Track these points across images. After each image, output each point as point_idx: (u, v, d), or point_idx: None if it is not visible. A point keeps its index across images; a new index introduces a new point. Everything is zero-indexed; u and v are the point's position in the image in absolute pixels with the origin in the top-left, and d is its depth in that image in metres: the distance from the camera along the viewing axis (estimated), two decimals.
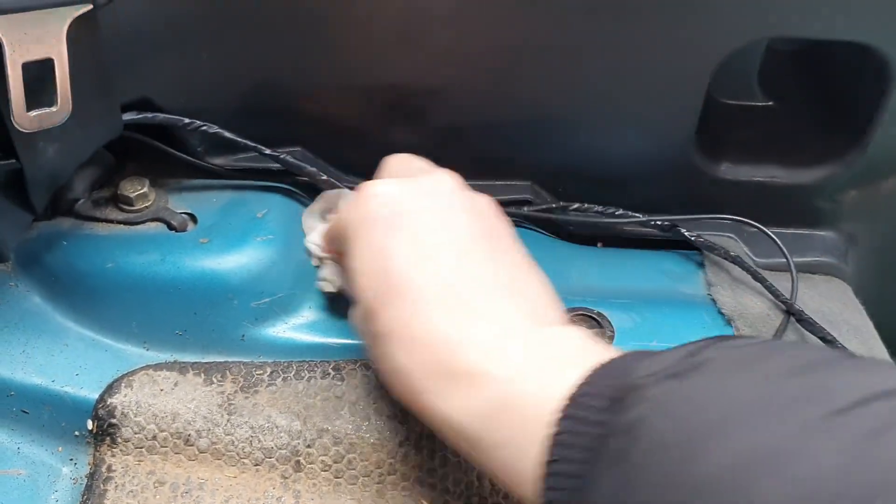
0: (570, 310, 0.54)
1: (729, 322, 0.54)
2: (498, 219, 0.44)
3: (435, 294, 0.38)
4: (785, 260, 0.58)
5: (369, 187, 0.43)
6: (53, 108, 0.43)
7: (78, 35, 0.43)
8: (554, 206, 0.62)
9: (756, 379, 0.29)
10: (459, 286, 0.39)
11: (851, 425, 0.25)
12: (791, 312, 0.54)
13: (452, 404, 0.36)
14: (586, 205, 0.62)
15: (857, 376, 0.28)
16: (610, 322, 0.54)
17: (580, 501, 0.30)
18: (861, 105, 0.58)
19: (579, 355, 0.35)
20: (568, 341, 0.37)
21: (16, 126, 0.41)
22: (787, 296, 0.56)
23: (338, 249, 0.47)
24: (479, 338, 0.37)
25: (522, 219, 0.62)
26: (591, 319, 0.54)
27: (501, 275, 0.40)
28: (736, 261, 0.58)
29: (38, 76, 0.42)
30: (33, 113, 0.42)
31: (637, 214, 0.61)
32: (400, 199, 0.42)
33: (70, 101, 0.44)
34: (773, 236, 0.58)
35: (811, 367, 0.29)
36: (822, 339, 0.52)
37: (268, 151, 0.56)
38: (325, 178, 0.57)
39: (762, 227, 0.58)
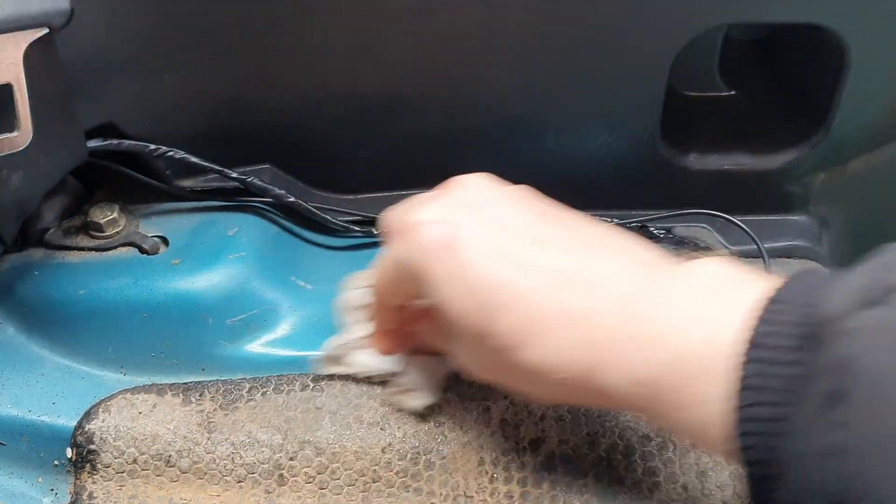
0: None
1: None
2: (545, 199, 0.43)
3: (546, 282, 0.36)
4: (756, 246, 0.58)
5: (412, 220, 0.41)
6: (14, 134, 0.43)
7: (36, 59, 0.43)
8: None
9: None
10: (562, 265, 0.37)
11: None
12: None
13: (620, 377, 0.34)
14: None
15: None
16: None
17: (781, 446, 0.29)
18: (821, 87, 0.58)
19: (737, 288, 0.33)
20: (714, 275, 0.34)
21: None
22: None
23: (406, 294, 0.44)
24: (617, 303, 0.35)
25: None
26: None
27: (594, 241, 0.39)
28: (707, 252, 0.58)
29: None
30: None
31: (606, 219, 0.61)
32: (449, 216, 0.39)
33: (31, 126, 0.44)
34: (740, 224, 0.58)
35: None
36: None
37: (234, 174, 0.56)
38: (291, 199, 0.57)
39: (729, 216, 0.59)
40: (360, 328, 0.49)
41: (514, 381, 0.40)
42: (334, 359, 0.50)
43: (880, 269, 0.30)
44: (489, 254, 0.38)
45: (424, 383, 0.47)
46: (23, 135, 0.44)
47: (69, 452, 0.48)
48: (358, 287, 0.50)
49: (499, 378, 0.40)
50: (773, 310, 0.30)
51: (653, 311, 0.34)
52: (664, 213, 0.61)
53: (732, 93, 0.67)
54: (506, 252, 0.38)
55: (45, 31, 0.43)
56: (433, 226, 0.39)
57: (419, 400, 0.47)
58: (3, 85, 0.42)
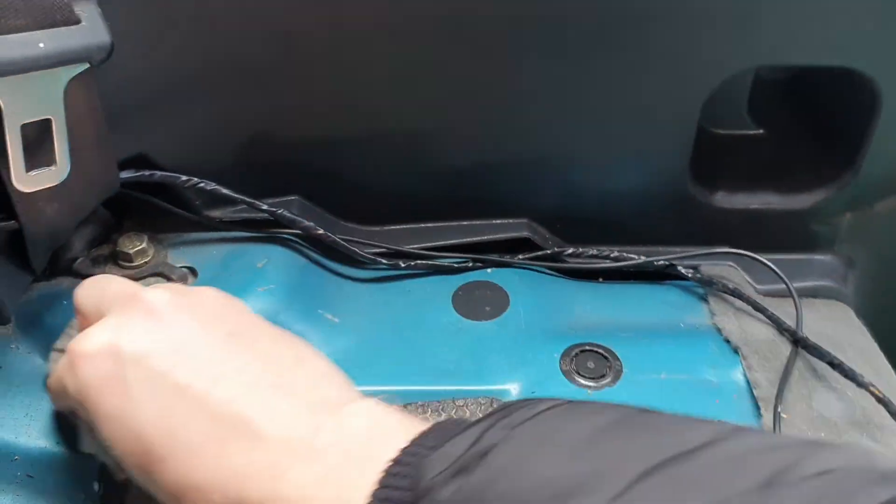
0: (577, 346, 0.54)
1: (735, 350, 0.54)
2: (239, 310, 0.40)
3: (210, 434, 0.34)
4: (785, 285, 0.58)
5: (76, 350, 0.37)
6: (52, 168, 0.43)
7: (75, 94, 0.43)
8: (549, 251, 0.62)
9: (541, 463, 0.28)
10: (232, 410, 0.34)
11: None
12: (797, 340, 0.54)
13: None
14: (581, 248, 0.63)
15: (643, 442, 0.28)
16: (617, 356, 0.54)
17: None
18: (851, 129, 0.59)
19: (378, 445, 0.32)
20: (357, 432, 0.34)
21: (15, 187, 0.41)
22: (790, 322, 0.56)
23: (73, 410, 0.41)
24: (273, 458, 0.33)
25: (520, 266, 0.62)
26: (598, 355, 0.54)
27: (262, 372, 0.36)
28: (735, 293, 0.58)
29: (37, 136, 0.42)
30: (32, 173, 0.42)
31: (633, 255, 0.61)
32: (115, 351, 0.36)
33: (68, 161, 0.44)
34: (769, 263, 0.58)
35: (595, 439, 0.29)
36: (830, 363, 0.52)
37: (263, 206, 0.56)
38: (320, 231, 0.57)
39: (758, 256, 0.59)
40: None
41: None
42: None
43: (480, 431, 0.30)
44: (155, 396, 0.35)
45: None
46: (60, 169, 0.44)
47: (96, 486, 0.48)
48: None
49: None
50: (393, 476, 0.31)
51: (300, 471, 0.33)
52: (691, 252, 0.61)
53: (761, 132, 0.67)
54: (175, 390, 0.35)
55: (86, 66, 0.43)
56: (98, 360, 0.36)
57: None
58: (43, 120, 0.42)
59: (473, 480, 0.28)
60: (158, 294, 0.39)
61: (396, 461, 0.31)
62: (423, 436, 0.32)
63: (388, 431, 0.33)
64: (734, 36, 0.52)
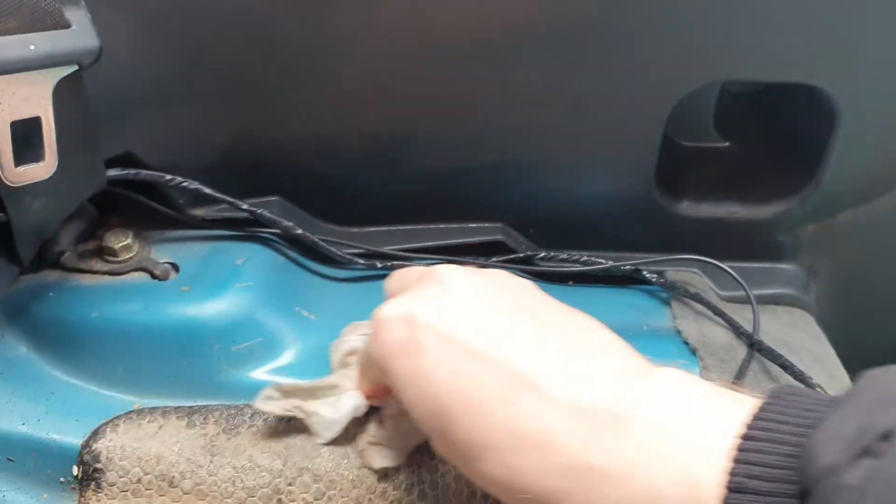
0: None
1: (693, 352, 0.56)
2: (525, 286, 0.41)
3: (501, 393, 0.34)
4: (745, 293, 0.60)
5: (378, 316, 0.41)
6: (40, 164, 0.45)
7: (64, 94, 0.45)
8: (521, 255, 0.65)
9: None
10: (523, 369, 0.35)
11: None
12: (752, 343, 0.57)
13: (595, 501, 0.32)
14: (552, 252, 0.65)
15: None
16: None
17: None
18: (812, 143, 0.61)
19: (715, 416, 0.30)
20: (689, 396, 0.32)
21: (4, 181, 0.43)
22: (748, 327, 0.58)
23: (383, 386, 0.44)
24: (579, 424, 0.32)
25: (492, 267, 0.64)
26: None
27: (564, 339, 0.37)
28: (696, 297, 0.61)
29: (26, 133, 0.44)
30: (21, 168, 0.44)
31: (601, 260, 0.64)
32: (410, 317, 0.38)
33: (56, 157, 0.46)
34: (730, 271, 0.60)
35: None
36: (782, 366, 0.54)
37: (244, 206, 0.58)
38: (299, 231, 0.60)
39: (720, 263, 0.61)
40: (336, 376, 0.50)
41: (482, 485, 0.37)
42: (287, 392, 0.49)
43: (867, 410, 0.27)
44: (447, 359, 0.36)
45: (395, 444, 0.48)
46: (47, 165, 0.46)
47: (75, 470, 0.50)
48: (354, 334, 0.52)
49: (469, 475, 0.38)
50: (755, 449, 0.28)
51: (621, 441, 0.31)
52: (657, 258, 0.63)
53: (727, 144, 0.69)
54: (466, 352, 0.36)
55: (75, 67, 0.45)
56: (396, 325, 0.39)
57: (385, 460, 0.48)
58: (32, 118, 0.44)
59: (889, 465, 0.25)
60: (451, 270, 0.41)
61: (753, 437, 0.28)
62: (776, 403, 0.29)
63: (723, 402, 0.31)
64: (698, 50, 0.54)
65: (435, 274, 0.41)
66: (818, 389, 0.51)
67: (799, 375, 0.52)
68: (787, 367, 0.54)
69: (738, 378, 0.53)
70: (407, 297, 0.41)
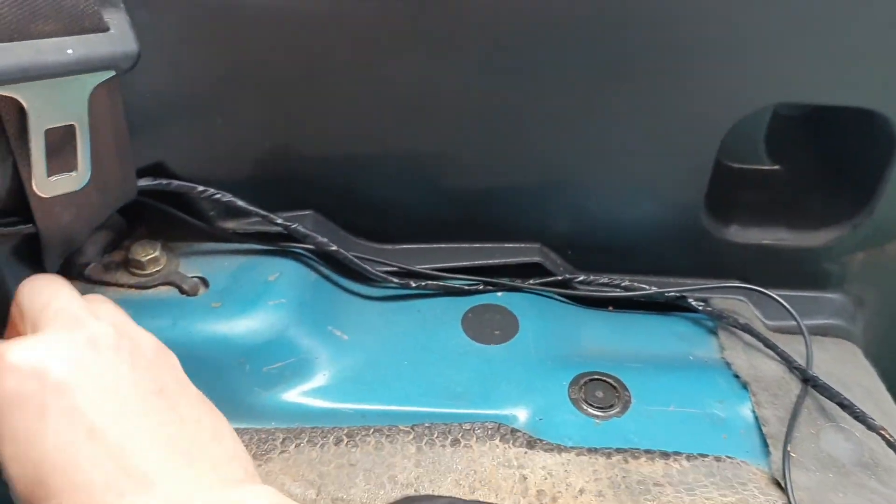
0: (586, 374, 0.54)
1: (745, 386, 0.54)
2: (174, 367, 0.40)
3: (103, 482, 0.33)
4: (795, 322, 0.58)
5: (4, 358, 0.35)
6: (73, 174, 0.43)
7: (100, 101, 0.43)
8: (560, 278, 0.62)
9: None
10: (129, 461, 0.33)
11: None
12: (807, 378, 0.54)
13: None
14: (592, 276, 0.63)
15: None
16: (626, 386, 0.54)
17: None
18: (867, 169, 0.59)
19: None
20: None
21: (36, 192, 0.41)
22: (800, 360, 0.56)
23: None
24: None
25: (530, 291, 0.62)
26: (607, 384, 0.54)
27: (179, 436, 0.35)
28: (745, 328, 0.58)
29: (60, 142, 0.42)
30: (53, 178, 0.42)
31: (644, 286, 0.62)
32: (46, 370, 0.34)
33: (89, 167, 0.44)
34: (782, 301, 0.58)
35: None
36: (840, 404, 0.52)
37: (278, 220, 0.56)
38: (333, 247, 0.57)
39: (769, 292, 0.59)
40: None
41: None
42: None
43: None
44: (68, 432, 0.33)
45: None
46: (80, 176, 0.44)
47: None
48: None
49: None
50: None
51: None
52: (703, 284, 0.61)
53: (777, 167, 0.67)
54: (90, 432, 0.34)
55: (112, 73, 0.43)
56: (22, 377, 0.34)
57: None
58: (67, 126, 0.42)
59: None
60: (102, 328, 0.37)
61: None
62: None
63: None
64: (754, 73, 0.52)
65: (82, 325, 0.37)
66: (881, 433, 0.49)
67: (860, 416, 0.50)
68: (844, 405, 0.51)
69: (794, 417, 0.51)
70: (43, 341, 0.36)
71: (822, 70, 0.53)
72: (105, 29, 0.43)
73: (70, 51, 0.41)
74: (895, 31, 0.51)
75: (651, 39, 0.51)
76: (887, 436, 0.48)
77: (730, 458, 0.49)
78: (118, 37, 0.43)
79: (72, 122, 0.42)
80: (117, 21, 0.44)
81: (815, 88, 0.54)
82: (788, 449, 0.49)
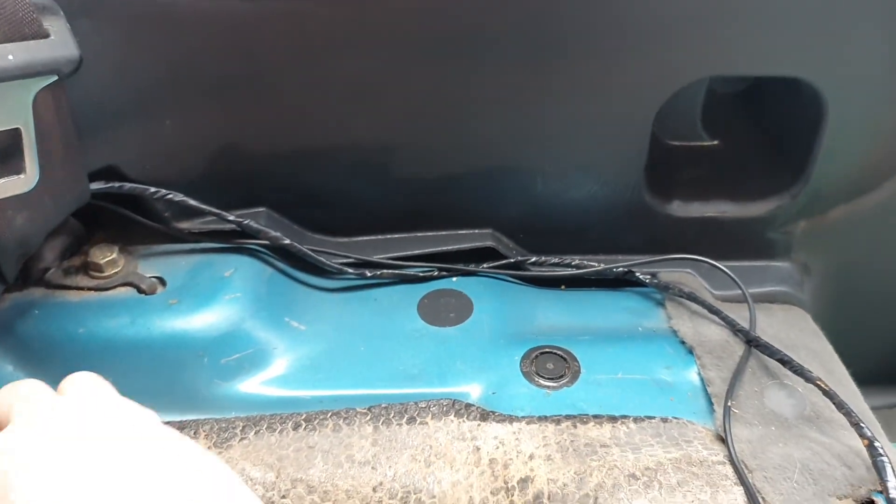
0: (537, 349, 0.56)
1: (690, 351, 0.56)
2: (138, 451, 0.36)
3: None
4: (740, 290, 0.60)
5: None
6: (21, 176, 0.45)
7: (44, 105, 0.45)
8: (512, 260, 0.64)
9: None
10: None
11: None
12: (749, 340, 0.56)
13: None
14: (543, 257, 0.65)
15: None
16: (576, 358, 0.55)
17: None
18: (800, 139, 0.61)
19: None
20: None
21: None
22: (746, 325, 0.57)
23: None
24: None
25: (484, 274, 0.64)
26: (557, 357, 0.55)
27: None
28: (690, 296, 0.60)
29: (6, 145, 0.43)
30: (1, 181, 0.44)
31: (594, 263, 0.63)
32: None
33: (37, 169, 0.45)
34: (724, 269, 0.60)
35: None
36: (781, 360, 0.53)
37: (231, 217, 0.58)
38: (286, 241, 0.59)
39: (714, 262, 0.60)
40: None
41: None
42: None
43: None
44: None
45: None
46: (28, 177, 0.45)
47: None
48: None
49: None
50: None
51: None
52: (650, 259, 0.63)
53: (715, 142, 0.69)
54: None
55: (55, 77, 0.45)
56: None
57: None
58: (12, 129, 0.43)
59: None
60: (67, 419, 0.37)
61: None
62: None
63: None
64: (683, 47, 0.54)
65: (44, 416, 0.37)
66: (818, 383, 0.50)
67: (798, 370, 0.52)
68: (785, 361, 0.53)
69: (736, 376, 0.53)
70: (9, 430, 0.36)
71: (749, 42, 0.54)
72: (45, 35, 0.45)
73: (10, 56, 0.42)
74: (816, 2, 0.53)
75: (580, 18, 0.53)
76: (823, 386, 0.50)
77: (676, 418, 0.51)
78: (59, 42, 0.45)
79: (17, 126, 0.44)
80: (57, 27, 0.45)
81: (744, 60, 0.56)
82: (730, 405, 0.50)
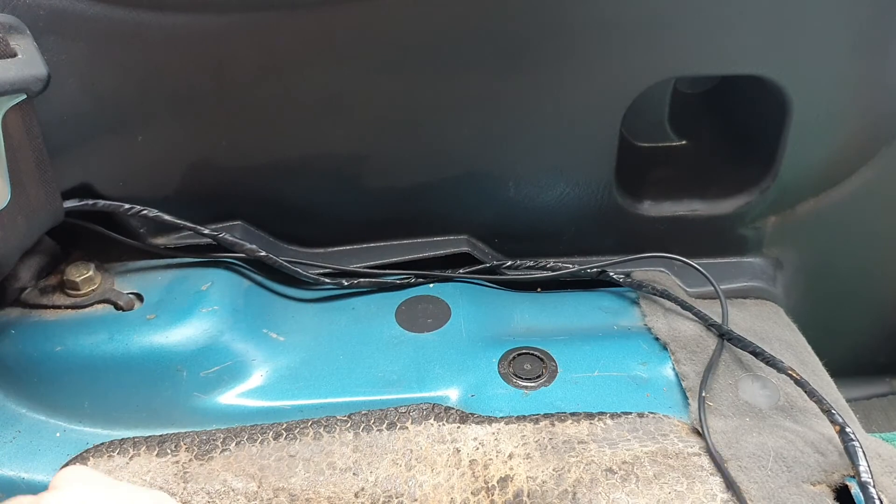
0: (514, 350, 0.56)
1: (664, 347, 0.56)
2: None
3: None
4: (712, 286, 0.61)
5: None
6: None
7: (14, 124, 0.45)
8: (488, 264, 0.65)
9: None
10: None
11: None
12: (722, 334, 0.57)
13: None
14: (519, 261, 0.65)
15: None
16: (553, 358, 0.56)
17: None
18: (766, 136, 0.62)
19: None
20: None
21: None
22: (718, 320, 0.58)
23: None
24: None
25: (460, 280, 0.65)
26: (534, 357, 0.56)
27: None
28: (664, 294, 0.61)
29: None
30: None
31: (568, 265, 0.64)
32: None
33: (9, 188, 0.45)
34: (697, 267, 0.60)
35: None
36: (753, 353, 0.54)
37: (206, 231, 0.58)
38: (262, 253, 0.59)
39: (686, 259, 0.61)
40: None
41: None
42: None
43: None
44: None
45: None
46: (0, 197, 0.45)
47: None
48: None
49: None
50: None
51: None
52: (623, 258, 0.64)
53: (683, 142, 0.70)
54: None
55: (23, 96, 0.45)
56: None
57: None
58: None
59: None
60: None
61: None
62: None
63: None
64: (647, 49, 0.55)
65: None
66: (790, 373, 0.51)
67: (770, 361, 0.53)
68: (757, 353, 0.54)
69: (711, 368, 0.53)
70: None
71: (712, 42, 0.56)
72: (13, 54, 0.45)
73: None
74: (776, 1, 0.54)
75: (545, 23, 0.54)
76: (795, 375, 0.51)
77: (652, 413, 0.51)
78: (26, 61, 0.45)
79: None
80: (24, 46, 0.46)
81: (707, 60, 0.57)
82: (705, 396, 0.51)
